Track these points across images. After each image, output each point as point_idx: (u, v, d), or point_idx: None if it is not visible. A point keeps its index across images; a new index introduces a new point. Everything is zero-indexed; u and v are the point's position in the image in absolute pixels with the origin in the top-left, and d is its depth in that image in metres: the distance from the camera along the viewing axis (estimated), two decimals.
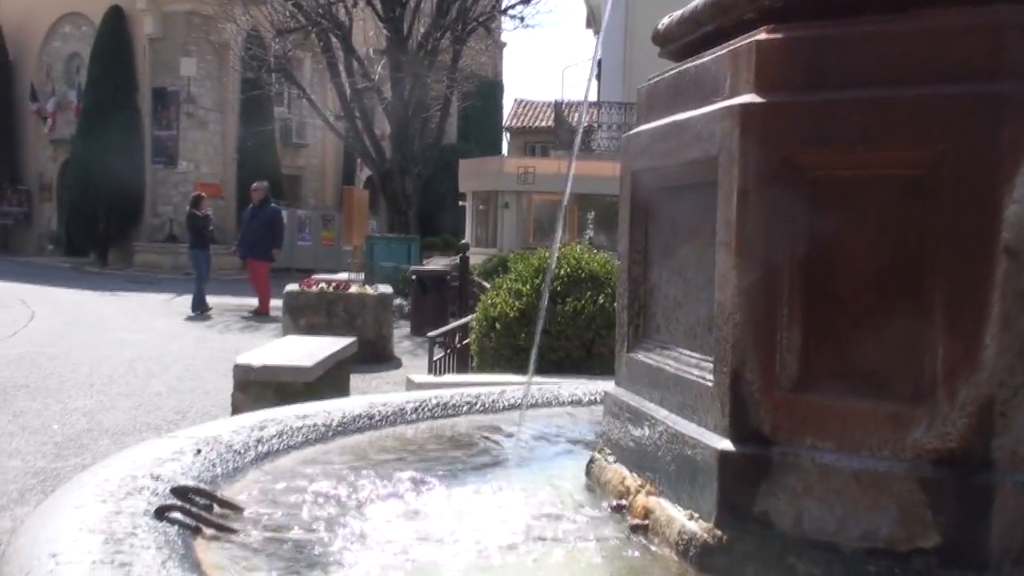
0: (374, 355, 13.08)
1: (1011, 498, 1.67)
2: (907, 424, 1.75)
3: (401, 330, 15.97)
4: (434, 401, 3.54)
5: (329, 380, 8.48)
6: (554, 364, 7.35)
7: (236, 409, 7.12)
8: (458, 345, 10.17)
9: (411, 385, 6.89)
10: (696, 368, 2.14)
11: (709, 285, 2.05)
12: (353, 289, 14.36)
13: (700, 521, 1.96)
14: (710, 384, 2.03)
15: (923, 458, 1.73)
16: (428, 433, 3.23)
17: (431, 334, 10.43)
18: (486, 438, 3.15)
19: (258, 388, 7.71)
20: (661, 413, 2.27)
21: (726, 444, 1.93)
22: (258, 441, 2.63)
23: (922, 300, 1.75)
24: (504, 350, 8.02)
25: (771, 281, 1.89)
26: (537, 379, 5.18)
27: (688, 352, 2.23)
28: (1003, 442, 1.68)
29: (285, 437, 2.76)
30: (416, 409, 3.41)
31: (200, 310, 18.53)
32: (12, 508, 6.05)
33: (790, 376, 1.88)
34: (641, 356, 2.51)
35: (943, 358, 1.72)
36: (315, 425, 2.93)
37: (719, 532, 1.89)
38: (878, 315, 1.83)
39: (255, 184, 18.75)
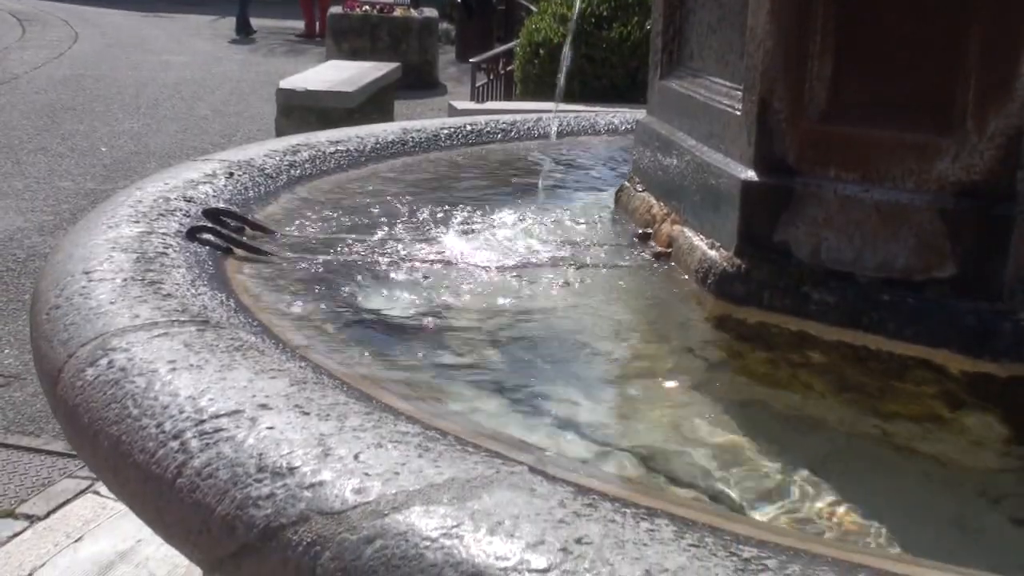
0: (419, 81, 12.97)
1: None
2: (933, 155, 1.73)
3: (447, 55, 15.72)
4: (469, 128, 3.52)
5: (372, 105, 8.46)
6: (598, 92, 7.25)
7: (280, 133, 7.17)
8: (502, 71, 10.03)
9: (453, 111, 6.87)
10: (725, 97, 2.10)
11: (744, 10, 1.98)
12: (398, 12, 14.05)
13: (720, 250, 1.98)
14: (738, 113, 1.99)
15: (946, 190, 1.72)
16: (463, 159, 3.24)
17: (474, 60, 10.25)
18: (519, 166, 3.15)
19: (301, 113, 7.73)
20: (689, 142, 2.25)
21: (750, 174, 1.91)
22: (290, 165, 2.66)
23: (958, 27, 1.68)
24: (548, 77, 7.91)
25: (804, 5, 1.82)
26: (578, 107, 5.13)
27: (719, 80, 2.19)
28: None
29: (318, 162, 2.78)
30: (451, 135, 3.41)
31: (245, 32, 18.30)
32: (65, 227, 6.24)
33: (818, 105, 1.85)
34: (673, 84, 2.46)
35: (975, 87, 1.67)
36: (348, 151, 2.95)
37: (738, 260, 1.91)
38: (911, 43, 1.76)
39: None
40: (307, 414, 1.23)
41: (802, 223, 1.84)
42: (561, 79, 5.77)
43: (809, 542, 1.08)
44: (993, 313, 1.65)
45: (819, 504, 1.45)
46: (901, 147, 1.77)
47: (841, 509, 1.43)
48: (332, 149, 2.88)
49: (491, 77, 10.33)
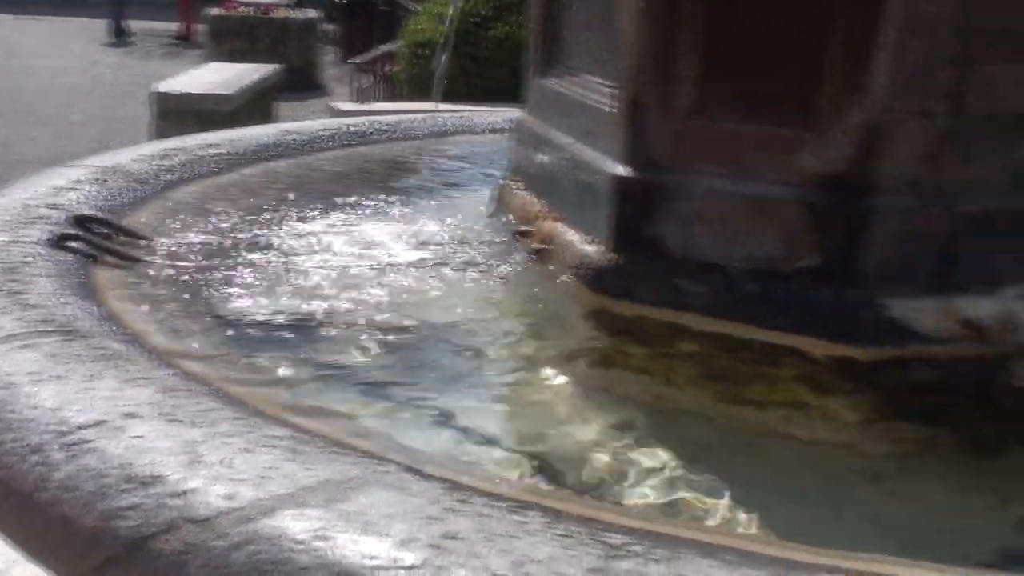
0: (301, 82, 12.81)
1: (890, 220, 1.72)
2: (796, 149, 1.78)
3: (331, 57, 15.58)
4: (349, 129, 3.50)
5: (253, 108, 8.34)
6: (482, 92, 7.27)
7: (158, 138, 7.02)
8: (385, 72, 9.98)
9: (334, 112, 6.81)
10: (600, 94, 2.13)
11: (615, 8, 2.01)
12: (278, 13, 13.89)
13: (596, 245, 2.00)
14: (611, 110, 2.02)
15: (810, 182, 1.77)
16: (343, 160, 3.22)
17: (354, 60, 10.18)
18: (399, 166, 3.15)
19: (179, 116, 7.59)
20: (566, 140, 2.28)
21: (623, 170, 1.94)
22: (163, 170, 2.61)
23: (818, 26, 1.74)
24: (431, 78, 7.89)
25: (672, 4, 1.85)
26: (460, 107, 5.14)
27: (593, 78, 2.21)
28: (886, 167, 1.71)
29: (192, 166, 2.73)
30: (331, 137, 3.38)
31: (120, 35, 17.87)
32: None
33: (687, 102, 1.88)
34: (550, 82, 2.48)
35: (835, 83, 1.73)
36: (224, 154, 2.90)
37: (613, 255, 1.94)
38: (775, 41, 1.81)
39: None
40: (176, 421, 1.21)
41: (674, 217, 1.88)
42: (437, 79, 5.75)
43: (676, 527, 1.11)
44: (856, 301, 1.71)
45: (694, 491, 1.48)
46: (767, 142, 1.82)
47: (715, 495, 1.47)
48: (206, 153, 2.83)
49: (375, 78, 10.27)
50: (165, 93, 7.70)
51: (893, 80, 1.70)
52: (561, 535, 0.99)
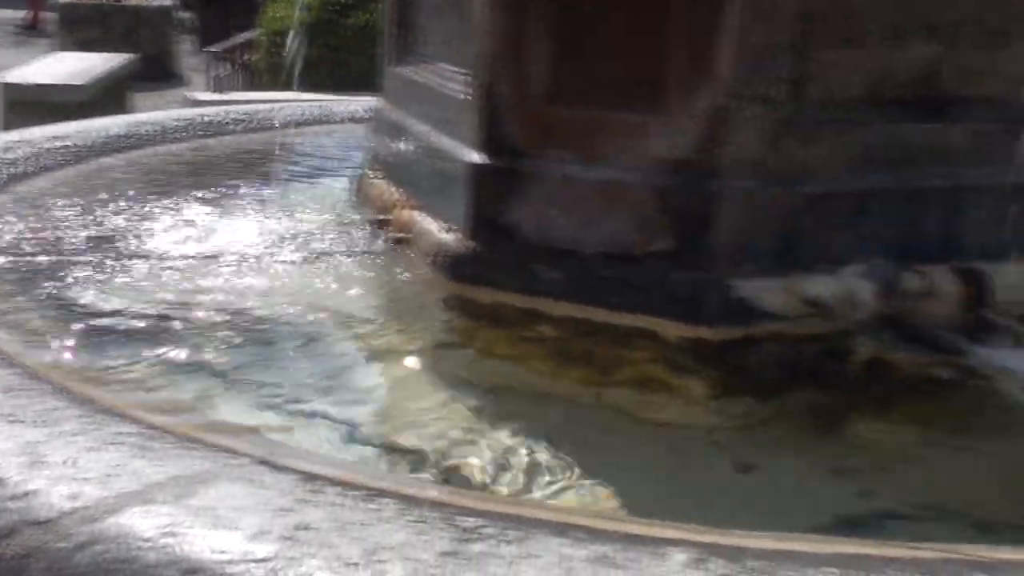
0: (158, 72, 12.44)
1: (736, 202, 1.77)
2: (647, 135, 1.82)
3: (189, 45, 15.19)
4: (204, 119, 3.43)
5: (107, 99, 8.08)
6: (342, 81, 7.19)
7: (3, 131, 6.74)
8: (244, 61, 9.79)
9: (191, 103, 6.65)
10: (454, 82, 2.14)
11: None
12: (132, 1, 13.47)
13: (454, 233, 2.01)
14: (465, 98, 2.03)
15: (660, 167, 1.81)
16: (197, 151, 3.16)
17: (211, 49, 9.95)
18: (256, 157, 3.10)
19: (27, 108, 7.29)
20: (422, 128, 2.28)
21: (478, 157, 1.95)
22: (4, 164, 2.51)
23: (664, 12, 1.78)
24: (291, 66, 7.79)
25: None
26: (319, 96, 5.07)
27: (447, 66, 2.22)
28: (732, 150, 1.76)
29: (37, 160, 2.64)
30: (185, 127, 3.31)
31: None
32: None
33: (540, 89, 1.90)
34: (405, 70, 2.48)
35: (680, 70, 1.77)
36: (72, 147, 2.81)
37: (470, 242, 1.95)
38: (625, 28, 1.85)
39: None
40: (17, 422, 1.18)
41: (529, 203, 1.90)
42: (290, 66, 5.66)
43: (530, 508, 1.13)
44: (706, 282, 1.76)
45: (550, 472, 1.50)
46: (618, 127, 1.86)
47: (571, 475, 1.49)
48: (53, 145, 2.74)
49: (233, 67, 10.06)
50: (12, 84, 7.40)
51: (737, 66, 1.75)
52: (414, 521, 1.00)
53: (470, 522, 1.00)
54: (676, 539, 1.02)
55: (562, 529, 1.01)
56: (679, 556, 0.97)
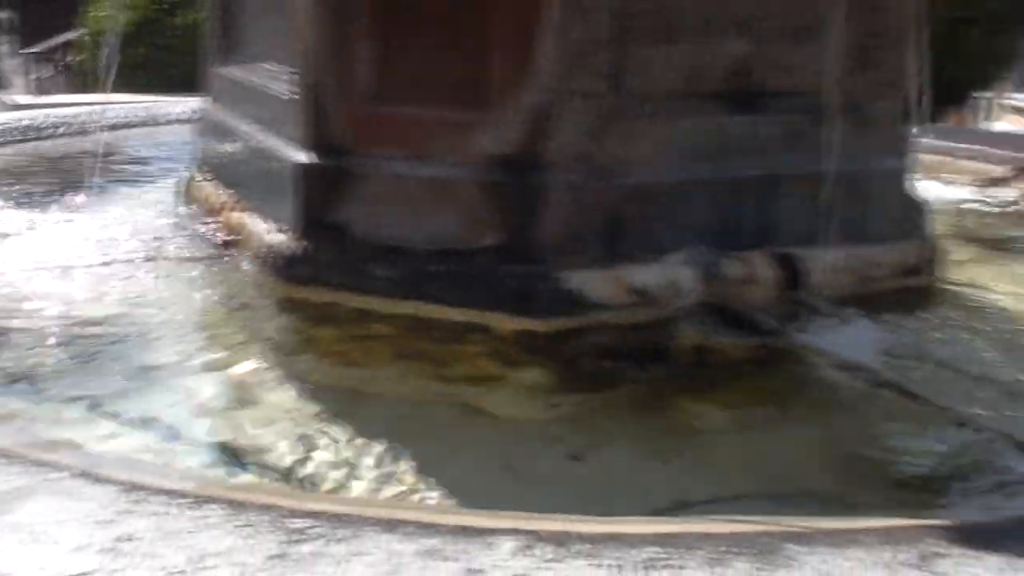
0: None
1: (561, 196, 1.81)
2: (472, 131, 1.84)
3: (6, 47, 14.53)
4: (23, 123, 3.31)
5: None
6: (168, 81, 6.99)
7: None
8: (67, 62, 9.43)
9: (9, 106, 6.37)
10: (279, 81, 2.12)
11: None
12: None
13: (283, 233, 1.99)
14: (291, 97, 2.01)
15: (487, 163, 1.83)
16: (14, 157, 3.03)
17: (31, 50, 9.55)
18: (78, 161, 2.99)
19: None
20: (249, 129, 2.25)
21: (306, 157, 1.94)
22: None
23: (485, 10, 1.80)
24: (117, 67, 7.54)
25: None
26: (144, 97, 4.93)
27: (272, 65, 2.20)
28: (556, 145, 1.80)
29: None
30: (1, 132, 3.18)
31: None
32: None
33: (367, 87, 1.91)
34: (230, 70, 2.44)
35: (503, 67, 1.80)
36: None
37: (301, 243, 1.93)
38: (450, 26, 1.86)
39: None
40: None
41: (359, 202, 1.89)
42: (105, 68, 5.46)
43: (361, 506, 1.13)
44: (534, 275, 1.79)
45: (385, 469, 1.51)
46: (445, 125, 1.87)
47: (405, 471, 1.50)
48: None
49: (55, 69, 9.68)
50: None
51: (558, 63, 1.78)
52: (242, 526, 0.99)
53: (299, 523, 1.00)
54: (505, 528, 1.04)
55: (393, 525, 1.02)
56: (507, 544, 0.99)
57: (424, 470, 1.51)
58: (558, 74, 1.79)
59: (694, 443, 1.67)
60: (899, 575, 0.95)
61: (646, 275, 1.81)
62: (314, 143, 1.94)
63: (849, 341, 1.81)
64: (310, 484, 1.47)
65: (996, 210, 3.16)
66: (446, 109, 1.87)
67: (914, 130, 2.22)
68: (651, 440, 1.67)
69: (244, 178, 2.25)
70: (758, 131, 1.94)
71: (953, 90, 8.73)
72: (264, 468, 1.50)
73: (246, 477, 1.44)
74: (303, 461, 1.53)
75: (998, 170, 3.44)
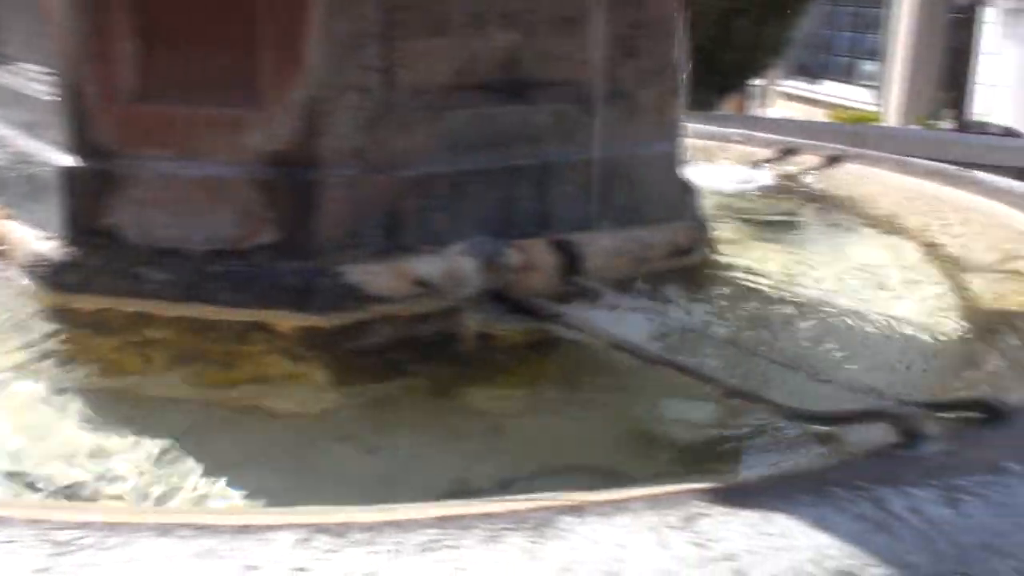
0: None
1: (337, 191, 1.80)
2: (243, 129, 1.81)
3: None
4: None
5: None
6: None
7: None
8: None
9: None
10: (38, 83, 2.03)
11: None
12: None
13: (51, 241, 1.91)
14: (51, 99, 1.94)
15: (260, 160, 1.81)
16: None
17: None
18: None
19: None
20: (7, 132, 2.14)
21: (70, 160, 1.87)
22: None
23: (251, 3, 1.78)
24: None
25: None
26: None
27: (30, 66, 2.10)
28: (328, 140, 1.79)
29: None
30: None
31: None
32: None
33: (129, 87, 1.85)
34: None
35: (271, 63, 1.78)
36: None
37: (69, 250, 1.86)
38: (214, 21, 1.83)
39: None
40: None
41: (128, 205, 1.84)
42: None
43: (135, 514, 1.11)
44: (314, 271, 1.78)
45: (170, 474, 1.48)
46: (215, 123, 1.84)
47: (192, 476, 1.47)
48: None
49: None
50: None
51: (327, 57, 1.78)
52: (4, 542, 0.95)
53: (67, 535, 0.97)
54: (284, 524, 1.03)
55: (168, 529, 1.00)
56: (286, 538, 0.98)
57: (210, 473, 1.49)
58: (328, 69, 1.78)
59: (481, 428, 1.70)
60: (663, 536, 0.99)
61: (428, 266, 1.83)
62: (79, 146, 1.87)
63: (625, 321, 1.88)
64: (88, 497, 1.43)
65: (760, 191, 3.35)
66: (216, 107, 1.84)
67: (683, 116, 2.32)
68: (439, 427, 1.70)
69: (7, 185, 2.14)
70: (530, 120, 1.99)
71: (728, 77, 9.16)
72: (38, 483, 1.45)
73: (16, 493, 1.38)
74: (77, 472, 1.48)
75: (765, 153, 3.63)
